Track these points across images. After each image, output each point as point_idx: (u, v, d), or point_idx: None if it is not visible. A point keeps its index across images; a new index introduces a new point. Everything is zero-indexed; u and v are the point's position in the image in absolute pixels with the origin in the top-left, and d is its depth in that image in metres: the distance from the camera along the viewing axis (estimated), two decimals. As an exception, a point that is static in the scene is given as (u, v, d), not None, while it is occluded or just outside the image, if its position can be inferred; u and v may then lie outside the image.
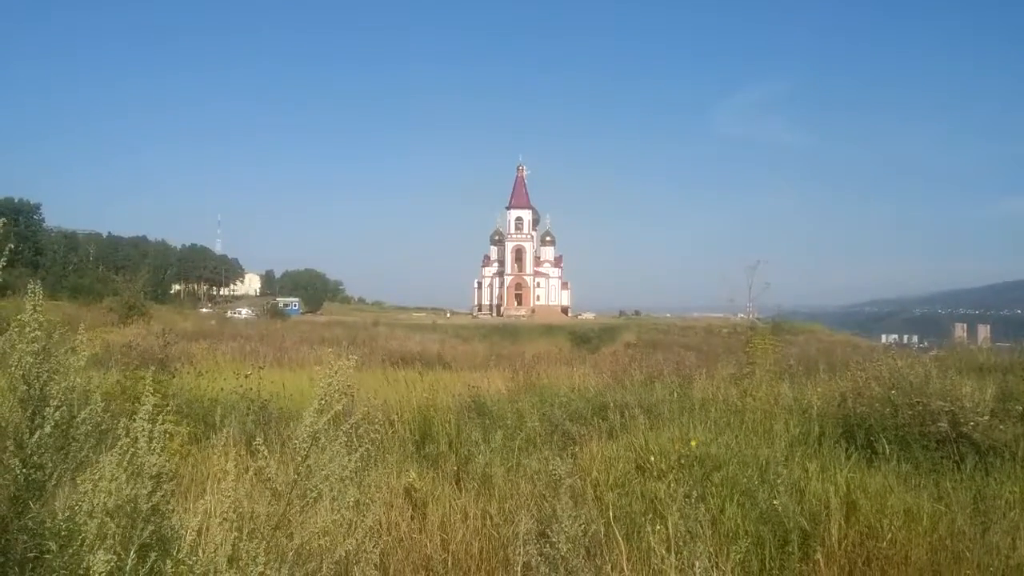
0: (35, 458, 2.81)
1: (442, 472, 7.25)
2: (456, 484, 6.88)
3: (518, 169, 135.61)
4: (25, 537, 2.89)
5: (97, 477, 2.84)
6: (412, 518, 5.92)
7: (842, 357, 19.06)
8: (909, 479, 6.71)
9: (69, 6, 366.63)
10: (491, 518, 5.88)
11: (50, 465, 2.87)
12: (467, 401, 10.37)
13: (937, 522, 5.63)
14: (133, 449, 2.98)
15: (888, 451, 7.40)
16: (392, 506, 5.97)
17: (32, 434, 2.81)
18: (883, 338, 56.22)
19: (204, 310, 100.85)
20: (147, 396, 3.13)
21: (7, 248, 2.98)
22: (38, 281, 3.02)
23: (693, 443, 7.21)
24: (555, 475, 5.72)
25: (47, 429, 2.78)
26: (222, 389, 10.35)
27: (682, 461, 6.84)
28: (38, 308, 2.84)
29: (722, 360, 14.92)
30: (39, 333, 2.86)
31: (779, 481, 6.06)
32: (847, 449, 7.51)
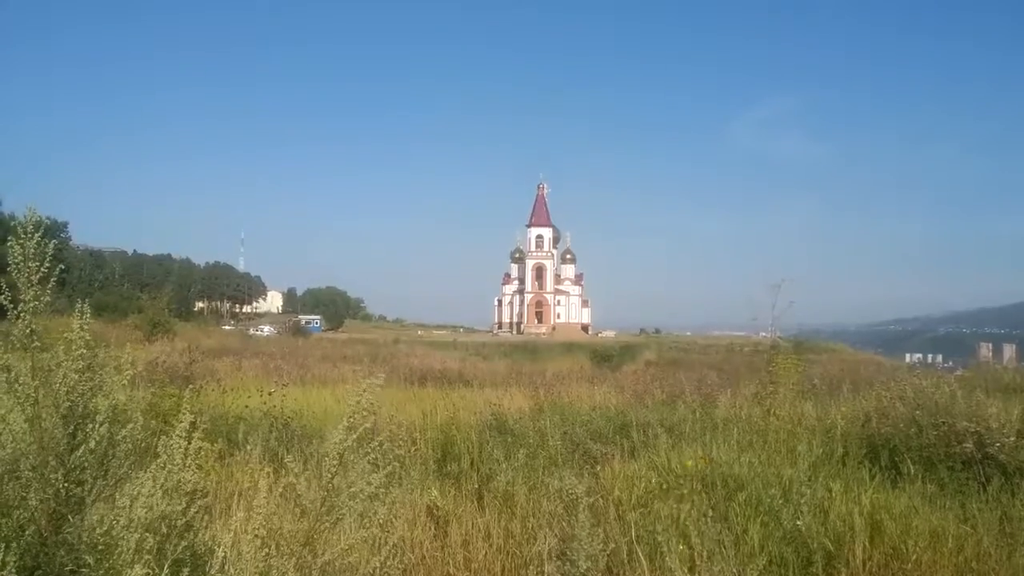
0: (76, 473, 2.89)
1: (464, 490, 7.27)
2: (478, 502, 6.90)
3: (539, 187, 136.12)
4: (63, 551, 2.97)
5: (135, 493, 2.91)
6: (434, 536, 5.94)
7: (866, 376, 18.90)
8: (934, 500, 6.65)
9: (93, 22, 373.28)
10: (513, 537, 5.89)
11: (90, 481, 2.94)
12: (488, 419, 10.39)
13: (963, 544, 5.58)
14: (169, 466, 3.05)
15: (913, 472, 7.34)
16: (415, 524, 6.00)
17: (73, 450, 2.89)
18: (907, 357, 55.43)
19: (227, 327, 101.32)
20: (183, 414, 3.20)
21: (58, 268, 3.08)
22: (84, 300, 3.12)
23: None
24: (572, 494, 5.74)
25: (91, 445, 2.85)
26: (246, 407, 10.44)
27: (704, 480, 6.83)
28: (84, 327, 2.93)
29: (744, 379, 14.85)
30: (84, 351, 2.94)
31: (803, 501, 6.03)
32: (871, 469, 7.46)
